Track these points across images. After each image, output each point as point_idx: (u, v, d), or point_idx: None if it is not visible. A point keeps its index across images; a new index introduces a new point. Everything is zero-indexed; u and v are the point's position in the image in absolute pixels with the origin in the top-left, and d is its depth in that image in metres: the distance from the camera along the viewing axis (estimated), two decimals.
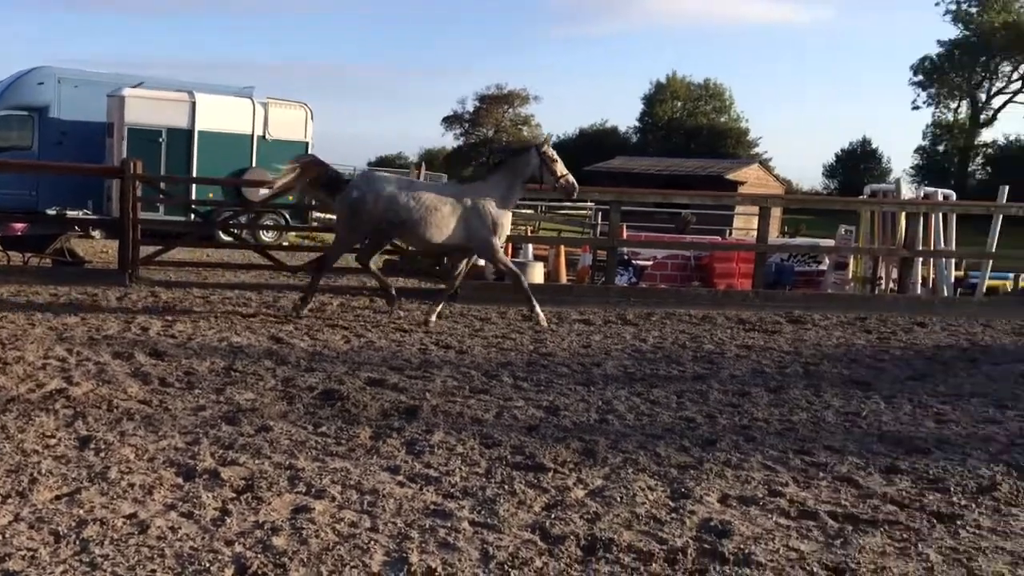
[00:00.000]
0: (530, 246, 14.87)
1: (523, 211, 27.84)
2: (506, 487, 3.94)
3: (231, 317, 8.33)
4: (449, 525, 3.48)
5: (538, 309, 8.59)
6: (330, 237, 11.39)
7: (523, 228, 23.87)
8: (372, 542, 3.30)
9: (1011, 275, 15.87)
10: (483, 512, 3.63)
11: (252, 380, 5.82)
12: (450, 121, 73.89)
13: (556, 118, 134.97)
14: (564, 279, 13.56)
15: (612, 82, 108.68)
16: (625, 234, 17.25)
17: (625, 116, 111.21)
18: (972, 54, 60.48)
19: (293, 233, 18.36)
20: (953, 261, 13.99)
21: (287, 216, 17.57)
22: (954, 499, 4.01)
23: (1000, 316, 10.44)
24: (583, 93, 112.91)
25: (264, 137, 18.53)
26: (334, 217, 9.84)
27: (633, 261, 14.68)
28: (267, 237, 16.94)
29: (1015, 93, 61.50)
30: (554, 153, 8.60)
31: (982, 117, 62.47)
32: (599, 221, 21.32)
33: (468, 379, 6.16)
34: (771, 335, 8.66)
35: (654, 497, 3.89)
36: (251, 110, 18.52)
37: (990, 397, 6.19)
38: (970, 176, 57.91)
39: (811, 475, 4.29)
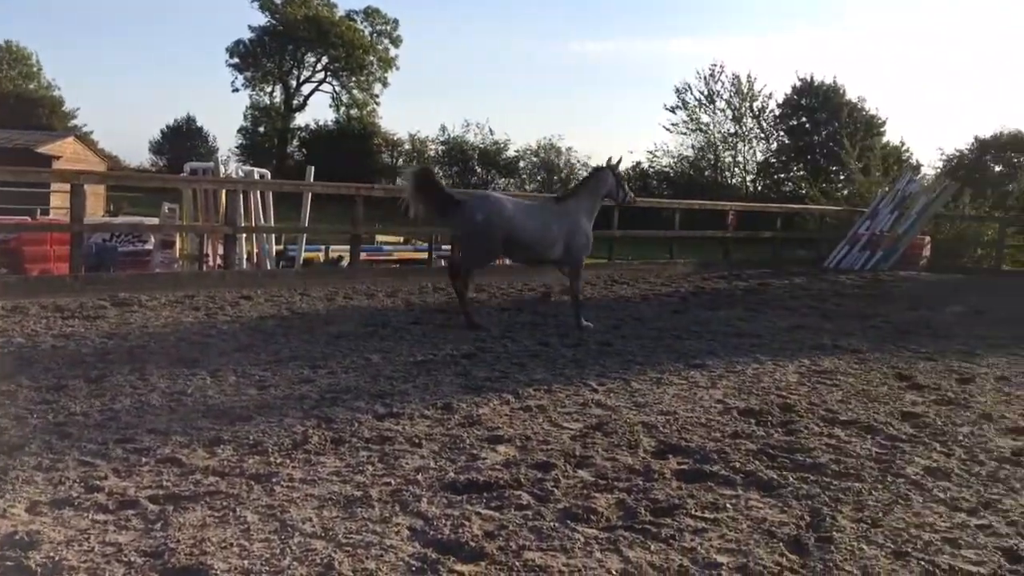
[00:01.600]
0: None
1: None
2: None
3: None
4: None
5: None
6: None
7: None
8: None
9: (322, 247, 17.79)
10: None
11: None
12: None
13: None
14: None
15: None
16: None
17: None
18: (280, 42, 65.06)
19: None
20: (273, 236, 15.00)
21: None
22: (271, 459, 4.27)
23: (315, 285, 11.58)
24: None
25: None
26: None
27: None
28: None
29: (320, 82, 68.45)
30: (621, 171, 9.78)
31: (295, 103, 68.03)
32: None
33: None
34: (94, 320, 8.14)
35: None
36: None
37: (305, 359, 6.78)
38: (289, 157, 62.43)
39: (133, 463, 4.13)
